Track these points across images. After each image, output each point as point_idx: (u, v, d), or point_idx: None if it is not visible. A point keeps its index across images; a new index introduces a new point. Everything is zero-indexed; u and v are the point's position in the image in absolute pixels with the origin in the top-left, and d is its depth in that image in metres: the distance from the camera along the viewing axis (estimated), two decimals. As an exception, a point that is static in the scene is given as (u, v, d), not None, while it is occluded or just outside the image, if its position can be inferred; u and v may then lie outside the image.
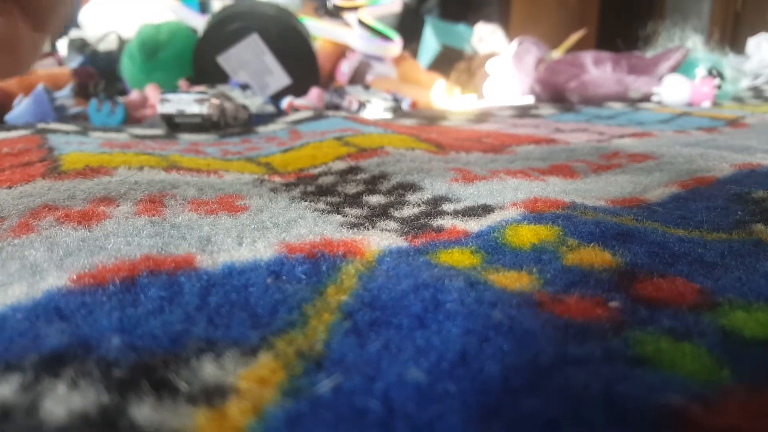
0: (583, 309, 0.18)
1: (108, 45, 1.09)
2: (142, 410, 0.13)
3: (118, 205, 0.28)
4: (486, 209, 0.28)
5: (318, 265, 0.21)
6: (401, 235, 0.25)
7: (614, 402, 0.13)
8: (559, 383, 0.13)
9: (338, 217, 0.28)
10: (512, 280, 0.20)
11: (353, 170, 0.38)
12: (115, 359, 0.15)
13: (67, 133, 0.57)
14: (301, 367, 0.15)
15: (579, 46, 1.25)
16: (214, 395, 0.14)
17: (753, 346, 0.16)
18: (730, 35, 2.33)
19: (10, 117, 0.71)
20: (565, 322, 0.17)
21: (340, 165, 0.39)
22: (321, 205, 0.30)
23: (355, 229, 0.26)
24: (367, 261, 0.22)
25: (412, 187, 0.33)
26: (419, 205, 0.30)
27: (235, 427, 0.13)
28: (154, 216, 0.26)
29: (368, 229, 0.26)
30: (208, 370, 0.14)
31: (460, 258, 0.22)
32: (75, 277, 0.19)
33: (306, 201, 0.31)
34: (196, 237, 0.24)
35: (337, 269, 0.21)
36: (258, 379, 0.14)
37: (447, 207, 0.30)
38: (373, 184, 0.35)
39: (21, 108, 0.75)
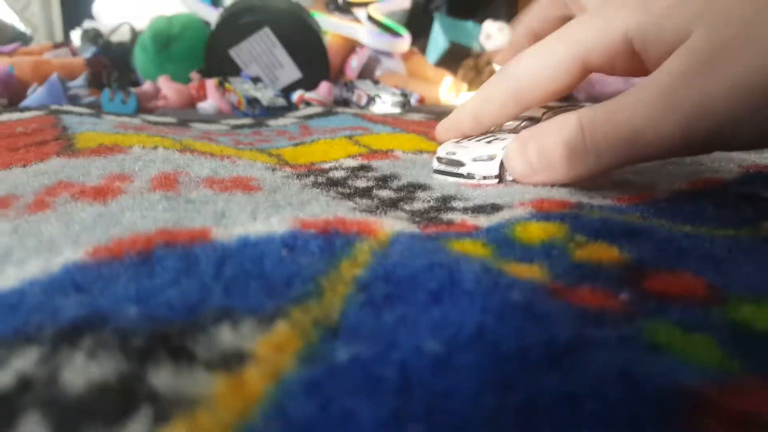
0: (595, 299, 0.18)
1: (121, 36, 1.09)
2: (161, 377, 0.13)
3: (132, 181, 0.28)
4: (495, 208, 0.28)
5: (332, 241, 0.21)
6: (413, 224, 0.25)
7: (632, 381, 0.13)
8: (577, 361, 0.14)
9: (350, 203, 0.28)
10: (524, 271, 0.20)
11: (364, 168, 0.38)
12: (132, 329, 0.15)
13: (80, 114, 0.57)
14: (318, 336, 0.15)
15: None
16: (231, 361, 0.14)
17: (764, 338, 0.16)
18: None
19: (24, 105, 0.71)
20: (579, 309, 0.17)
21: (351, 162, 0.39)
22: (332, 194, 0.31)
23: (368, 214, 0.26)
24: (381, 240, 0.22)
25: (422, 187, 0.33)
26: (429, 201, 0.30)
27: (253, 392, 0.13)
28: (168, 191, 0.27)
29: (380, 216, 0.26)
30: (226, 337, 0.15)
31: (472, 248, 0.22)
32: (91, 250, 0.19)
33: (317, 189, 0.31)
34: (211, 212, 0.24)
35: (351, 245, 0.21)
36: (275, 346, 0.14)
37: (456, 204, 0.30)
38: (383, 181, 0.35)
39: (35, 96, 0.75)
